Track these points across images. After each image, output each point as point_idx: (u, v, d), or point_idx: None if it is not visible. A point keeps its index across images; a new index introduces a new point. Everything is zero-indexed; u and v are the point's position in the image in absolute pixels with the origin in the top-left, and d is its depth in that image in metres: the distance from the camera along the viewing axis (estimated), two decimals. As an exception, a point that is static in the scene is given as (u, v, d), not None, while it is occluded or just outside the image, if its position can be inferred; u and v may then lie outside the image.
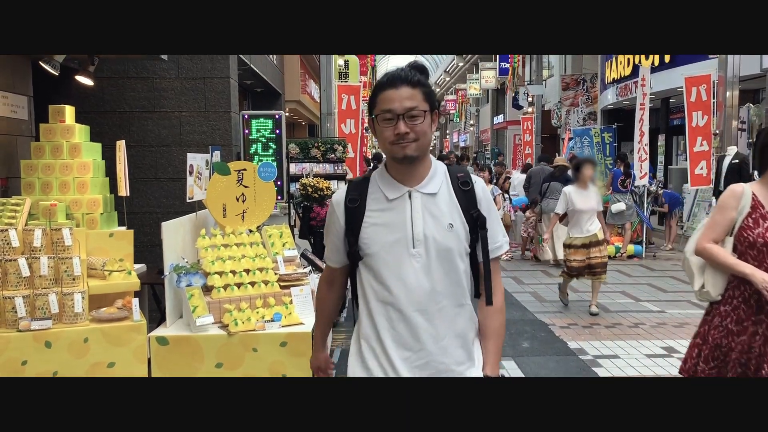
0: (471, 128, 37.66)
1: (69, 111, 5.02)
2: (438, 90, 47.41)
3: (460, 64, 35.39)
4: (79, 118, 5.18)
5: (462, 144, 40.68)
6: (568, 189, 6.87)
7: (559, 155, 14.07)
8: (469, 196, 1.94)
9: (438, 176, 1.95)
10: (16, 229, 3.59)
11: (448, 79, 41.59)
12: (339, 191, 2.02)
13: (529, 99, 22.73)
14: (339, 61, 15.90)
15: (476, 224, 1.93)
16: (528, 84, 23.56)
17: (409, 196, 1.91)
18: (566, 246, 6.93)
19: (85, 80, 5.26)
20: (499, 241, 2.00)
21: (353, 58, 15.58)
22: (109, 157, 5.17)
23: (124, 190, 5.00)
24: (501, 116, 29.64)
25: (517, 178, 12.86)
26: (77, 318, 3.46)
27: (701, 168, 10.61)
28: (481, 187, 1.98)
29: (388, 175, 1.96)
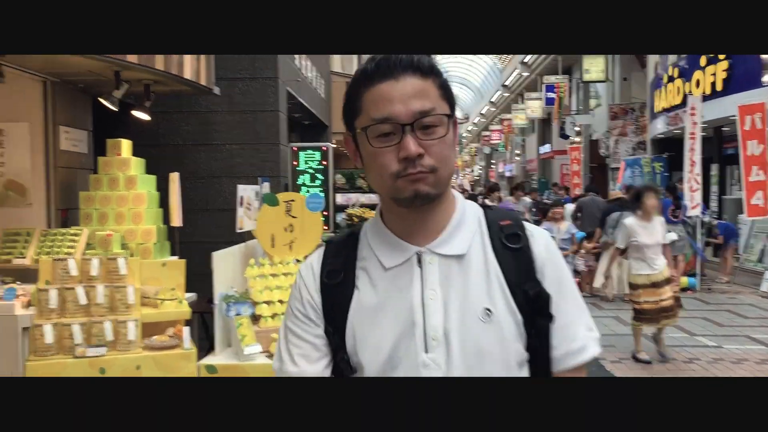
0: (517, 158, 37.48)
1: (125, 144, 5.23)
2: (484, 120, 47.43)
3: (506, 95, 35.41)
4: (136, 151, 5.38)
5: (508, 174, 40.46)
6: (629, 221, 6.25)
7: (613, 186, 13.83)
8: (523, 259, 1.18)
9: (467, 225, 1.20)
10: (74, 258, 3.73)
11: (493, 109, 41.63)
12: (310, 258, 1.27)
13: (577, 129, 22.54)
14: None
15: (536, 308, 1.16)
16: (574, 113, 23.38)
17: (419, 261, 1.16)
18: (632, 286, 6.28)
19: (142, 115, 5.47)
20: (579, 338, 1.19)
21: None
22: (162, 188, 5.34)
23: (177, 220, 5.15)
24: (548, 146, 29.42)
25: (567, 208, 12.68)
26: (130, 345, 3.56)
27: (757, 198, 10.28)
28: (543, 243, 1.21)
29: (384, 228, 1.20)
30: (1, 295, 4.21)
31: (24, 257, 4.80)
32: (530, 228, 1.23)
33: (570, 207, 12.38)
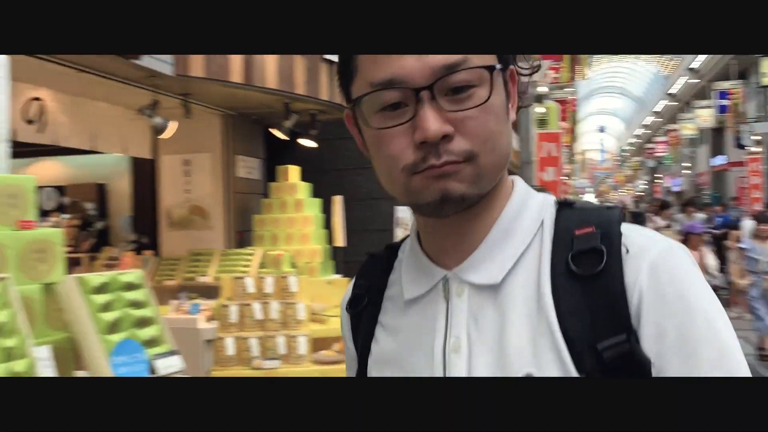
0: (686, 171, 34.92)
1: (294, 171, 5.61)
2: (647, 132, 44.81)
3: (672, 104, 33.24)
4: (302, 176, 5.75)
5: (675, 188, 37.81)
6: None
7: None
8: (601, 295, 0.69)
9: (517, 236, 0.76)
10: (251, 276, 4.05)
11: (658, 120, 39.22)
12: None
13: (755, 138, 20.58)
14: (538, 108, 15.84)
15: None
16: (752, 121, 21.38)
17: (445, 288, 0.77)
18: None
19: (309, 143, 5.83)
20: None
21: (553, 105, 15.41)
22: (326, 210, 5.66)
23: (340, 240, 5.41)
24: (720, 157, 27.14)
25: (748, 225, 11.56)
26: (301, 359, 3.78)
27: None
28: (648, 263, 0.69)
29: (417, 244, 0.83)
30: (188, 309, 4.66)
31: (206, 275, 5.28)
32: (632, 238, 0.70)
33: (751, 224, 11.27)
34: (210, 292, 4.94)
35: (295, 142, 5.92)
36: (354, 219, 7.19)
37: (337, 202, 5.53)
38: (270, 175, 6.04)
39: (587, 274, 0.69)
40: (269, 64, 4.68)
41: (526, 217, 0.77)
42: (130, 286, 1.88)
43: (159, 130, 4.64)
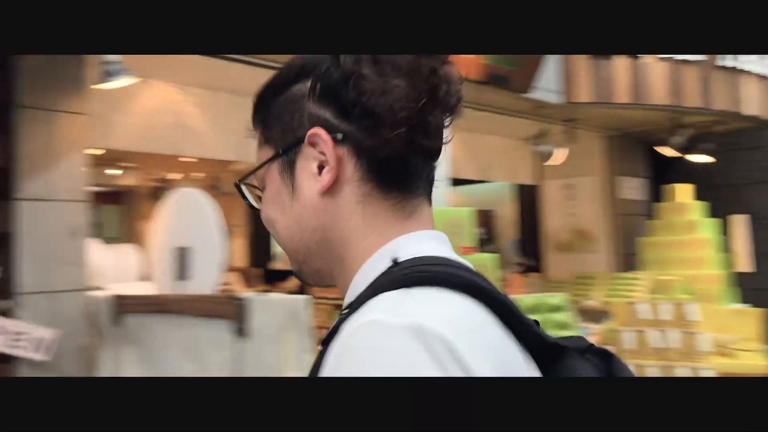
0: None
1: (682, 189, 5.23)
2: None
3: None
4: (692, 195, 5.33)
5: None
6: None
7: None
8: (317, 370, 0.64)
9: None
10: (646, 302, 3.91)
11: None
12: None
13: None
14: None
15: None
16: None
17: None
18: None
19: (701, 158, 5.41)
20: None
21: None
22: (724, 231, 5.14)
23: (745, 265, 4.87)
24: None
25: None
26: (706, 394, 3.49)
27: None
28: (339, 344, 0.59)
29: None
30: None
31: (591, 298, 5.26)
32: (366, 307, 0.60)
33: None
34: (594, 315, 4.90)
35: (681, 158, 5.53)
36: (758, 240, 6.37)
37: (739, 221, 4.98)
38: (654, 195, 5.75)
39: (321, 349, 0.64)
40: (657, 80, 4.49)
41: (359, 285, 0.69)
42: (556, 308, 2.00)
43: (546, 157, 4.83)
